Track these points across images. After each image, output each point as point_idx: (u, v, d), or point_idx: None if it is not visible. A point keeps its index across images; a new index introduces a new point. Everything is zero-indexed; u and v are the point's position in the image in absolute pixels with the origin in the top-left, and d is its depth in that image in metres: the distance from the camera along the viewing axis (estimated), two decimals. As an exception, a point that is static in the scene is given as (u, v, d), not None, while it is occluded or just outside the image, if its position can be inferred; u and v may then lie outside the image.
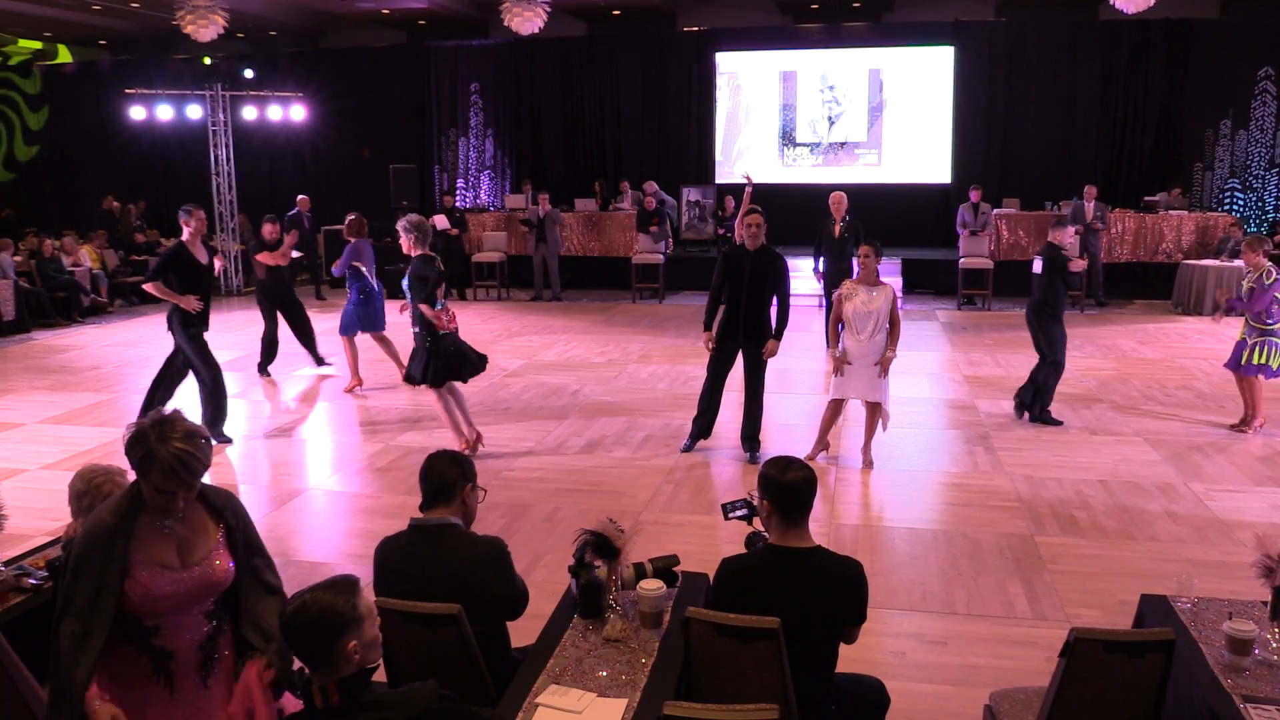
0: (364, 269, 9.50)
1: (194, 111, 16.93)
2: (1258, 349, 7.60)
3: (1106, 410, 8.57)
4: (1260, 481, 6.73)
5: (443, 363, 7.02)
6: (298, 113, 17.60)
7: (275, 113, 17.24)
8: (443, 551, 3.15)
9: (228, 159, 16.81)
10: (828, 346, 7.99)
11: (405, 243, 6.99)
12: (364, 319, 9.60)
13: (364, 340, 9.75)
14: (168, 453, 2.45)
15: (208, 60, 17.45)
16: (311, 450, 7.70)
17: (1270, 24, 15.70)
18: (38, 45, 21.15)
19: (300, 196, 15.57)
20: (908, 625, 4.76)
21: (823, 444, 7.23)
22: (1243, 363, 7.68)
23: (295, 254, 14.95)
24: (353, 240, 9.61)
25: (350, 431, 8.27)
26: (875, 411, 7.05)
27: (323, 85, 19.04)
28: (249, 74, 17.41)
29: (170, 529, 2.58)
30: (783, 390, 9.19)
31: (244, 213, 17.62)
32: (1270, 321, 7.59)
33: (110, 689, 2.59)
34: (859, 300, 6.83)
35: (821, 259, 11.27)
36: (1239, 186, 16.02)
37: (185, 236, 7.43)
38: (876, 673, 3.58)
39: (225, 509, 2.71)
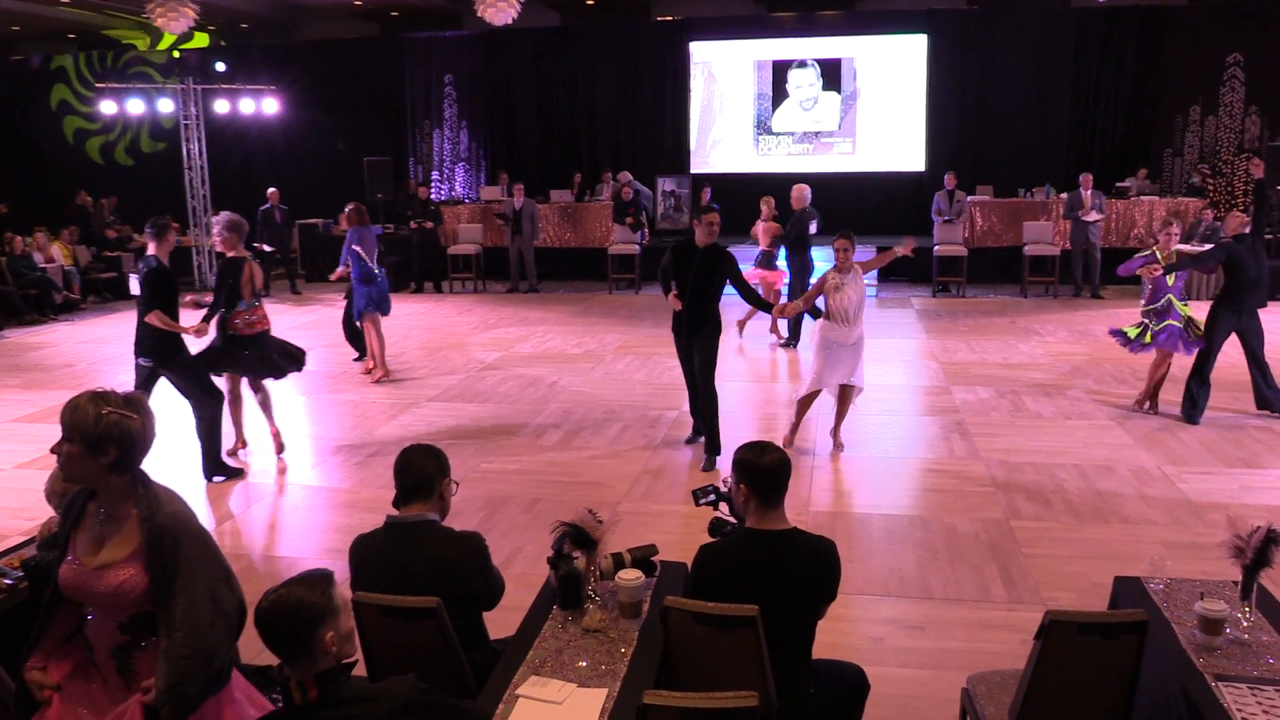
0: (363, 254, 9.38)
1: (165, 106, 16.76)
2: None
3: (1080, 394, 8.64)
4: (1231, 463, 6.81)
5: (213, 358, 7.04)
6: (270, 106, 17.46)
7: (248, 106, 17.09)
8: (420, 549, 3.13)
9: (200, 153, 16.65)
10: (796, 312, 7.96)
11: (218, 241, 7.01)
12: (375, 299, 9.46)
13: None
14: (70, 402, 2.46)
15: (177, 54, 17.27)
16: (288, 444, 7.64)
17: (1239, 11, 15.83)
18: None
19: (271, 190, 15.44)
20: (885, 611, 4.79)
21: (794, 431, 7.31)
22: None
23: (268, 248, 14.94)
24: (350, 229, 9.52)
25: (328, 424, 8.22)
26: (849, 395, 7.12)
27: (295, 78, 18.88)
28: (221, 67, 17.23)
29: (102, 519, 2.54)
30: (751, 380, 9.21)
31: (217, 208, 17.45)
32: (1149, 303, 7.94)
33: (61, 664, 2.61)
34: (846, 291, 6.83)
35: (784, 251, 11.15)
36: (1209, 171, 16.17)
37: (158, 251, 6.53)
38: (854, 658, 3.60)
39: (156, 523, 2.50)
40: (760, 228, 11.39)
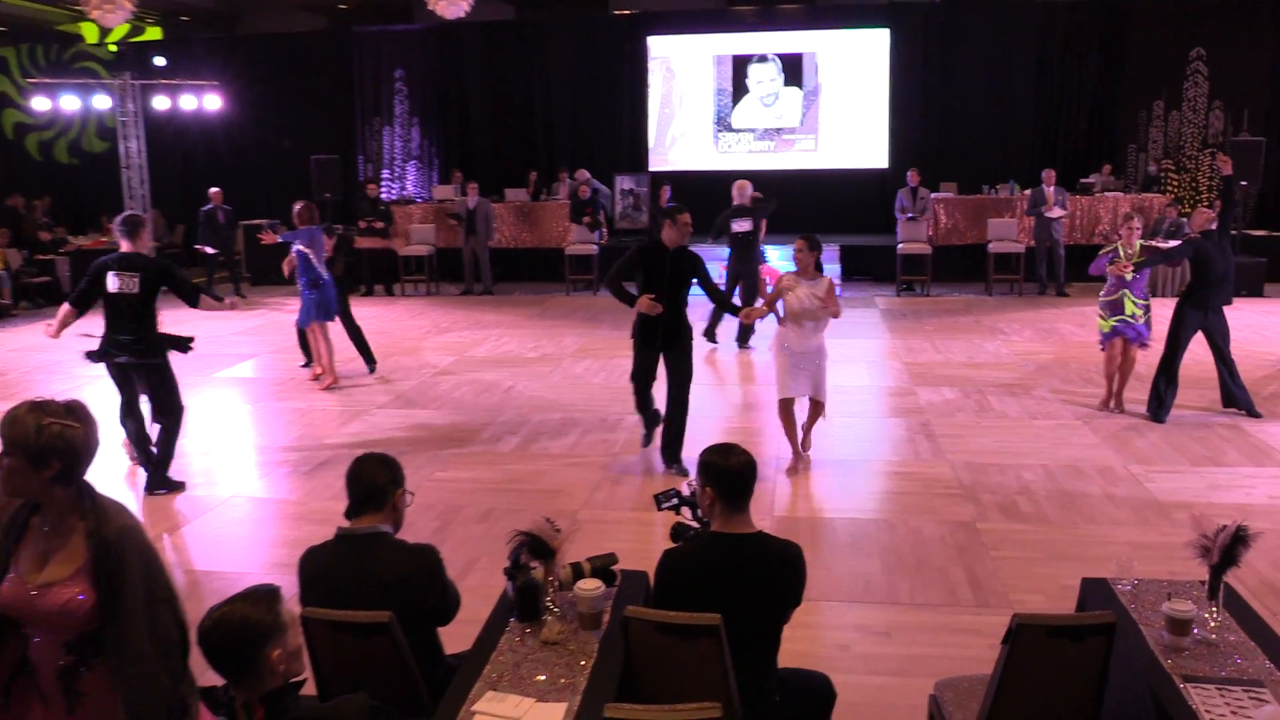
0: (312, 257, 9.27)
1: (102, 102, 16.49)
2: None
3: (1046, 394, 8.76)
4: (1198, 462, 6.93)
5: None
6: (213, 102, 17.24)
7: (189, 102, 16.86)
8: (372, 562, 3.09)
9: (139, 151, 16.39)
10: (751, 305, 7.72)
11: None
12: (319, 306, 9.34)
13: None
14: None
15: (114, 48, 17.01)
16: (235, 454, 7.55)
17: (1202, 5, 16.14)
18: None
19: (213, 189, 15.23)
20: (851, 617, 4.82)
21: (797, 452, 6.95)
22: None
23: (210, 251, 14.75)
24: (300, 228, 9.40)
25: (275, 433, 8.13)
26: (814, 410, 6.92)
27: (239, 73, 18.67)
28: (160, 61, 16.98)
29: (46, 534, 2.49)
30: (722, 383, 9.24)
31: (156, 207, 17.20)
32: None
33: (11, 684, 2.55)
34: (801, 293, 6.61)
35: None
36: (1172, 167, 16.47)
37: (137, 249, 6.56)
38: (820, 666, 3.62)
39: (103, 537, 2.45)
40: None
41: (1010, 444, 7.40)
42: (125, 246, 6.56)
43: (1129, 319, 7.93)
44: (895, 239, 14.76)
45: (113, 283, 6.46)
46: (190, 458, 7.38)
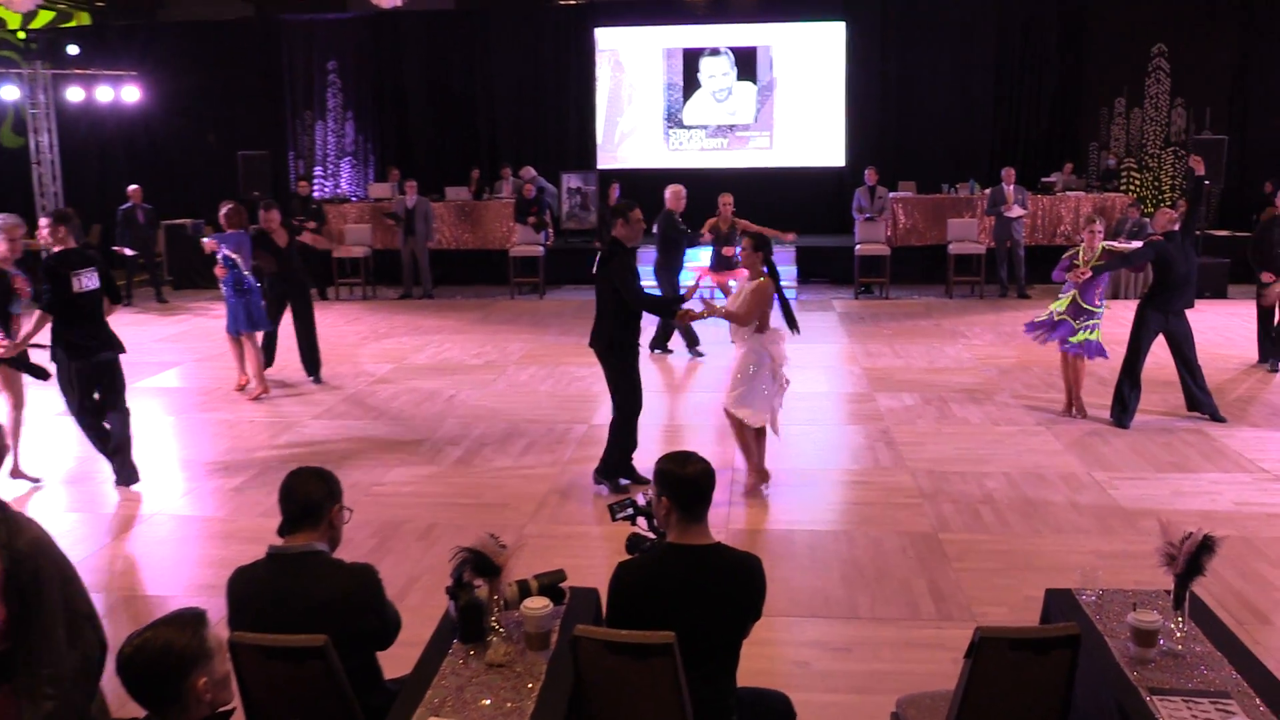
0: (239, 262, 9.18)
1: (9, 93, 16.14)
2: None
3: (1008, 399, 8.89)
4: (1162, 468, 7.08)
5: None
6: (131, 94, 16.98)
7: (105, 94, 16.58)
8: (306, 582, 3.06)
9: (50, 146, 16.07)
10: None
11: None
12: (246, 313, 9.26)
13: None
14: None
15: (23, 35, 16.67)
16: (158, 469, 7.42)
17: (1162, -1, 16.53)
18: None
19: (131, 187, 14.98)
20: (810, 633, 4.85)
21: (756, 469, 6.73)
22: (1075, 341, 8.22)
23: (129, 252, 14.50)
24: (229, 231, 9.30)
25: (200, 446, 8.00)
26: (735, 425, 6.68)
27: (160, 63, 18.36)
28: (73, 50, 16.66)
29: None
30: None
31: (71, 206, 16.86)
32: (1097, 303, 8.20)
33: None
34: (737, 295, 6.50)
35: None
36: (1135, 166, 16.82)
37: (50, 243, 6.80)
38: (779, 684, 3.65)
39: (15, 550, 2.41)
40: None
41: (972, 451, 7.51)
42: (71, 243, 6.82)
43: (1069, 323, 8.08)
44: (853, 240, 14.91)
45: (80, 283, 6.68)
46: (109, 473, 7.25)
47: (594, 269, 6.59)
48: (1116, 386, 8.11)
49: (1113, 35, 16.67)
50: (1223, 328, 11.76)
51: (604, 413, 7.31)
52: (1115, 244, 14.08)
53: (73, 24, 19.14)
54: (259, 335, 9.47)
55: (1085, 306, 8.09)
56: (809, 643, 4.76)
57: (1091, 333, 8.13)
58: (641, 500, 3.53)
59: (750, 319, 6.36)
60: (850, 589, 5.31)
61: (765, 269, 6.40)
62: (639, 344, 6.69)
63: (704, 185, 12.64)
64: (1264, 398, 8.87)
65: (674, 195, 10.72)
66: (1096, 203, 15.14)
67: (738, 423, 6.58)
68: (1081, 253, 8.13)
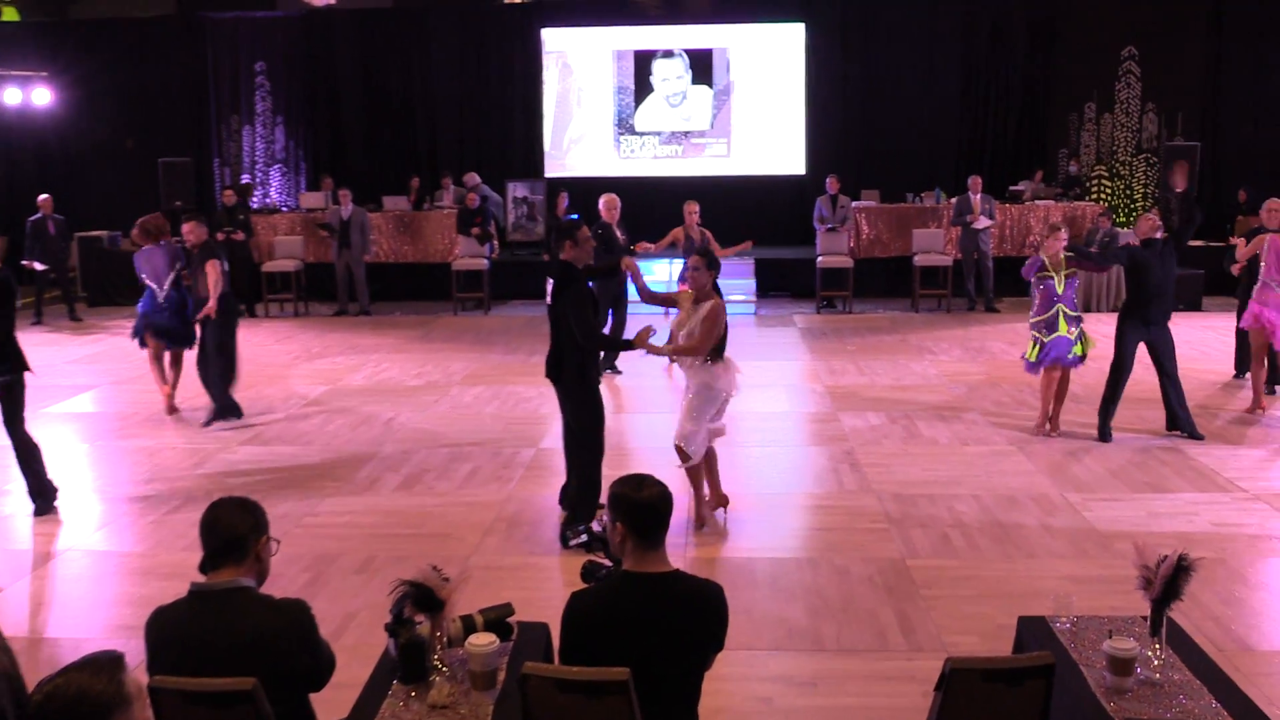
0: (149, 282, 9.19)
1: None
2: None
3: (978, 418, 9.00)
4: (1138, 489, 7.19)
5: None
6: (41, 96, 16.76)
7: (13, 96, 16.35)
8: (233, 620, 3.02)
9: (-47, 153, 15.82)
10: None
11: None
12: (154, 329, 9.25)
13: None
14: None
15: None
16: (70, 501, 7.28)
17: (1133, 1, 16.87)
18: None
19: (42, 197, 14.75)
20: (773, 667, 4.86)
21: (714, 493, 6.74)
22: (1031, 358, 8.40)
23: (40, 267, 14.27)
24: (143, 247, 9.24)
25: (117, 476, 7.88)
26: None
27: (72, 63, 18.14)
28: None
29: None
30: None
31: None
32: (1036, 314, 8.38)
33: None
34: (686, 319, 6.37)
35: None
36: (1105, 174, 17.13)
37: None
38: (740, 723, 3.64)
39: None
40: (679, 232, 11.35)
41: (941, 473, 7.58)
42: None
43: (1066, 337, 8.19)
44: (814, 251, 15.01)
45: None
46: (17, 506, 7.10)
47: (549, 299, 6.42)
48: (1102, 401, 8.26)
49: (1082, 38, 17.01)
50: (1198, 341, 11.96)
51: (553, 436, 7.31)
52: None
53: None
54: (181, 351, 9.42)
55: (1074, 314, 8.24)
56: (771, 677, 4.76)
57: (1084, 337, 8.30)
58: (596, 527, 3.52)
59: (706, 350, 6.27)
60: (814, 619, 5.33)
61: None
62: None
63: (658, 195, 12.70)
64: (1242, 414, 9.04)
65: (607, 206, 10.79)
66: (1067, 212, 15.39)
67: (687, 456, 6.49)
68: (1046, 261, 8.24)
